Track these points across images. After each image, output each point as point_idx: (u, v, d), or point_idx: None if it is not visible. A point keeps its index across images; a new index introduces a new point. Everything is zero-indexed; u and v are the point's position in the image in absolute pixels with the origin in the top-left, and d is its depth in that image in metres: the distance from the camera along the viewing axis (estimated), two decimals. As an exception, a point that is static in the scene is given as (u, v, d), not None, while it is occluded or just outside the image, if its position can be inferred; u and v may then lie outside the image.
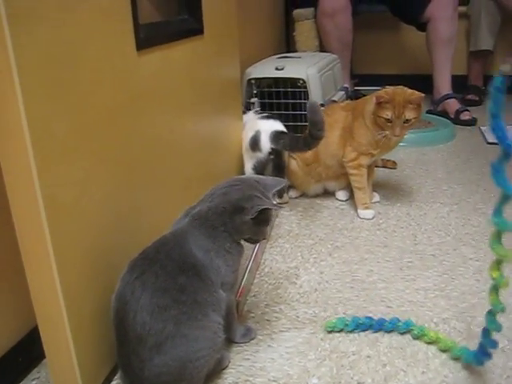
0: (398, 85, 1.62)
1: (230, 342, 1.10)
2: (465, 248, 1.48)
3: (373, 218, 1.69)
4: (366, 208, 1.71)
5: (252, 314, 1.22)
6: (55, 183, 0.85)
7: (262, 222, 1.00)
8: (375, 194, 1.83)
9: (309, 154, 1.76)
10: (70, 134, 0.89)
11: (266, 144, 1.68)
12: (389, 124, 1.57)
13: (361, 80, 3.20)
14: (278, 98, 2.15)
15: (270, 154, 1.69)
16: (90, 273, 0.95)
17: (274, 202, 0.96)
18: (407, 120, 1.56)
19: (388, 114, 1.55)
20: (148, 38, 1.14)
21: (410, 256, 1.46)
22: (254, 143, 1.70)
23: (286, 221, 1.70)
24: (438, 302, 1.24)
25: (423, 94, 1.57)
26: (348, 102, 2.00)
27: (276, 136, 1.66)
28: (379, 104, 1.57)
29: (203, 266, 0.95)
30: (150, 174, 1.17)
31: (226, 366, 1.05)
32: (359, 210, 1.71)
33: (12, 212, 0.84)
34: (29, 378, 1.05)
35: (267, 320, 1.20)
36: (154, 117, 1.20)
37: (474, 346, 1.05)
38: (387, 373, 1.02)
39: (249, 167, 1.76)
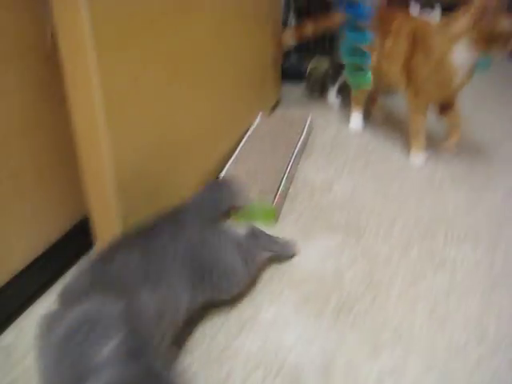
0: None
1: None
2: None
3: (421, 163, 1.55)
4: (418, 151, 1.56)
5: (289, 218, 1.27)
6: (112, 72, 0.87)
7: None
8: None
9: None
10: (128, 22, 0.89)
11: None
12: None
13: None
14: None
15: None
16: (141, 166, 0.99)
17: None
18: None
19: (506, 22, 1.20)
20: None
21: (442, 175, 1.49)
22: None
23: (321, 136, 1.72)
24: (465, 220, 1.28)
25: None
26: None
27: None
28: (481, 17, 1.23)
29: None
30: (194, 77, 1.18)
31: (294, 255, 1.13)
32: (411, 154, 1.57)
33: (69, 102, 0.86)
34: (78, 264, 1.12)
35: (302, 223, 1.25)
36: (202, 21, 1.20)
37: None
38: (417, 273, 1.08)
39: None
